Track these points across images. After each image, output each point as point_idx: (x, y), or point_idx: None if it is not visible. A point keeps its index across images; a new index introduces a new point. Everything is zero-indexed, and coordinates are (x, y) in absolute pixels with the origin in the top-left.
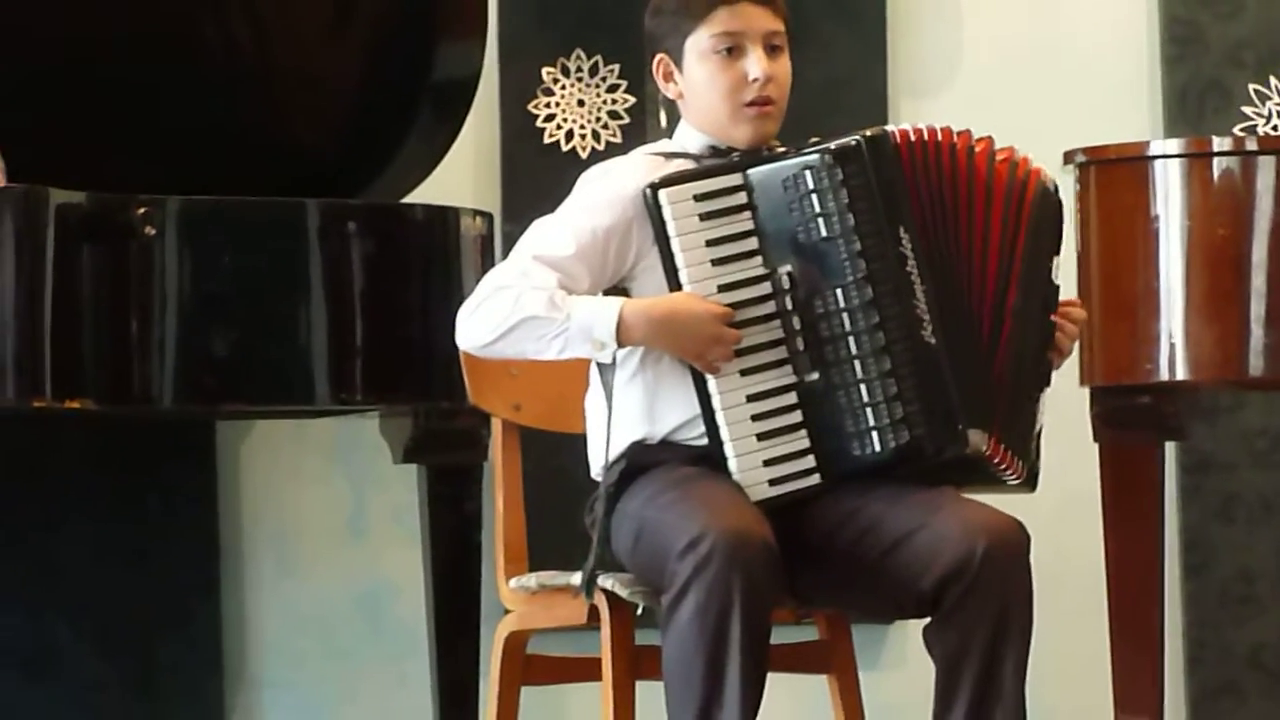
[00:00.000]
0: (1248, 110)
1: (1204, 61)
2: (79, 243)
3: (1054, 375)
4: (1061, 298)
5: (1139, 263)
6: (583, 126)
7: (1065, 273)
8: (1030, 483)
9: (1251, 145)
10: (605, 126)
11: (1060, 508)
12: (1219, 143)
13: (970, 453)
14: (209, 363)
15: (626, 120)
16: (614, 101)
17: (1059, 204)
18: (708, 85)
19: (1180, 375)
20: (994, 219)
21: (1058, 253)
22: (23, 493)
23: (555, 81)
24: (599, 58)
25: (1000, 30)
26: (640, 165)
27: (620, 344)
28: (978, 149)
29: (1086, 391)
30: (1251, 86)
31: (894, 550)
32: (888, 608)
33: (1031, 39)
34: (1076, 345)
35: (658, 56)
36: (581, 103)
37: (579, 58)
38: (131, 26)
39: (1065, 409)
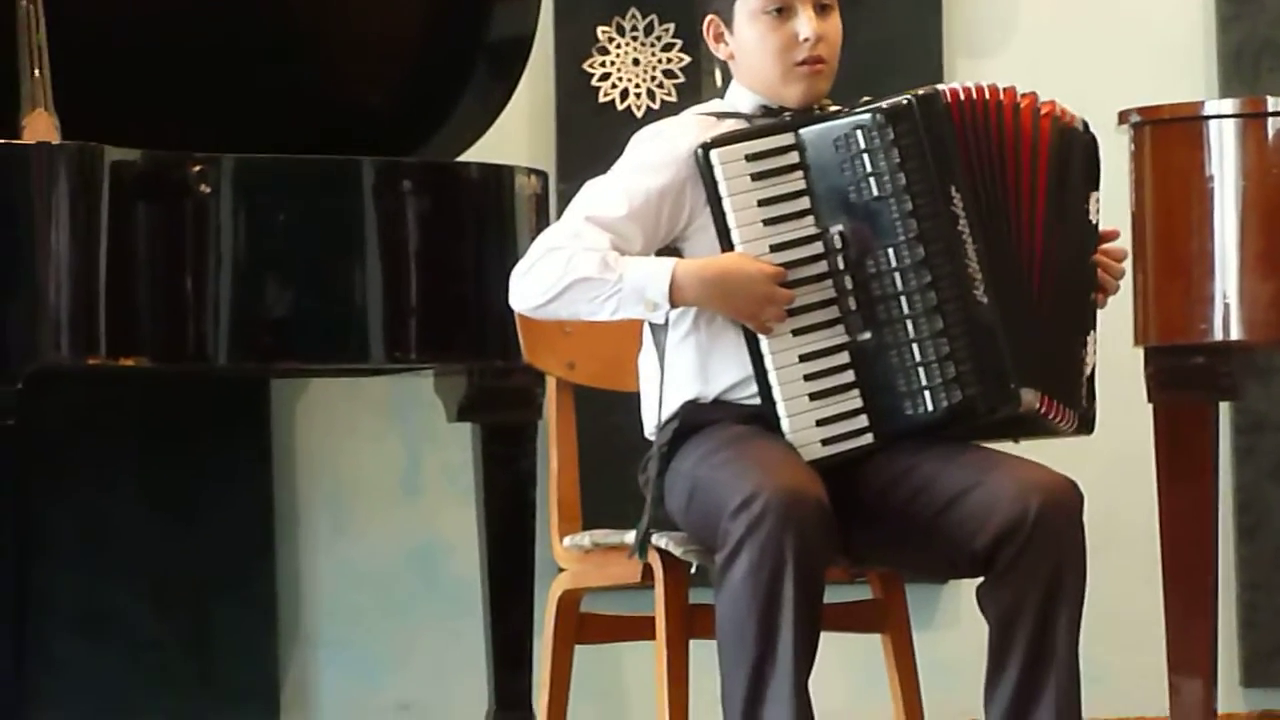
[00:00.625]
0: None
1: (1259, 21)
2: (134, 201)
3: (1106, 331)
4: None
5: (1194, 223)
6: (638, 85)
7: (1110, 217)
8: (1087, 426)
9: None
10: (660, 85)
11: (1114, 467)
12: (1274, 103)
13: (1023, 411)
14: (264, 321)
15: (682, 79)
16: (669, 60)
17: (1090, 141)
18: (758, 45)
19: (1235, 335)
20: (1040, 174)
21: (1095, 189)
22: (78, 452)
23: (610, 40)
24: (654, 17)
25: None
26: (692, 125)
27: (673, 304)
28: (1023, 105)
29: (1141, 351)
30: None
31: (947, 509)
32: (941, 566)
33: None
34: (1131, 302)
35: (708, 17)
36: (637, 61)
37: (634, 16)
38: None
39: (1119, 369)
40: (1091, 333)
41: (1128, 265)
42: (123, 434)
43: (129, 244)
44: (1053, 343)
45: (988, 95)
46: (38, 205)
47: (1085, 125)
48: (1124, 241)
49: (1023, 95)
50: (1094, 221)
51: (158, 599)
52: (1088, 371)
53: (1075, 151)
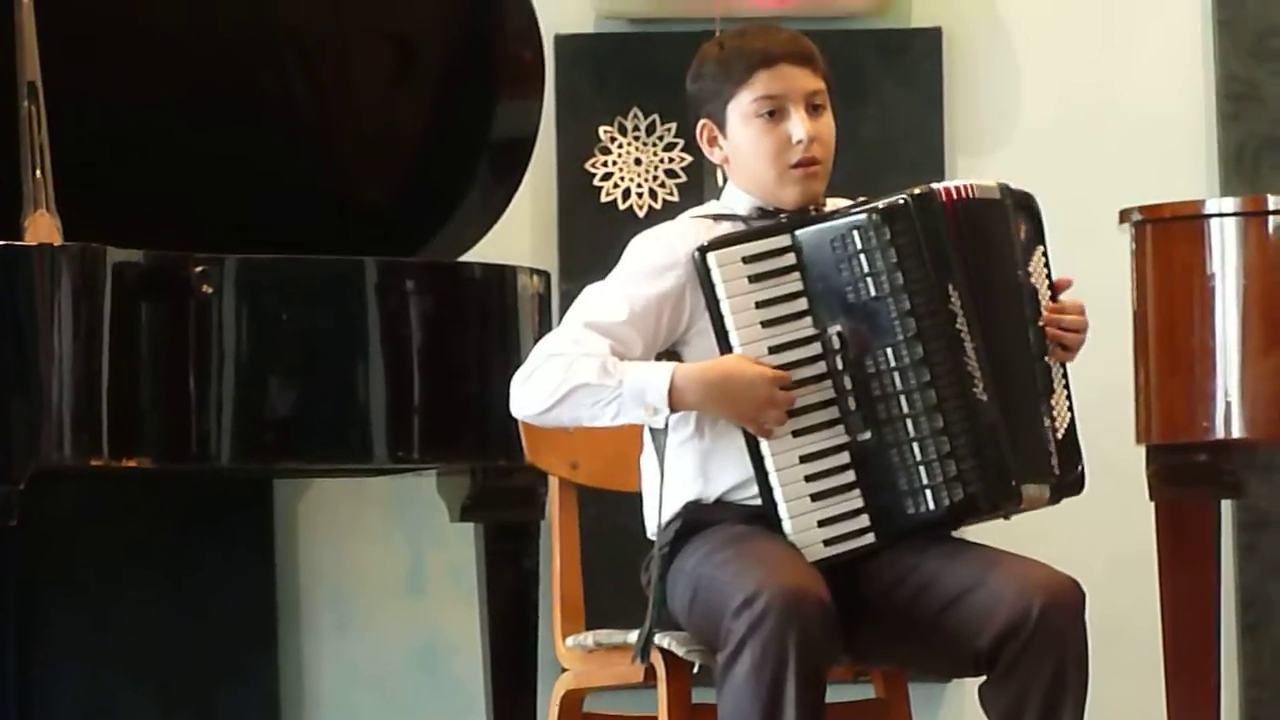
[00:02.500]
0: None
1: (1260, 119)
2: (136, 301)
3: (1106, 429)
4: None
5: (1195, 320)
6: (640, 185)
7: (1112, 315)
8: (1076, 487)
9: None
10: (662, 185)
11: (1116, 565)
12: (1275, 201)
13: (1024, 507)
14: (267, 421)
15: (684, 179)
16: (671, 160)
17: (1003, 203)
18: (752, 149)
19: (1236, 433)
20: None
21: (1039, 243)
22: (82, 548)
23: (612, 140)
24: (656, 116)
25: (1057, 87)
26: (689, 229)
27: (673, 409)
28: (973, 195)
29: (1143, 449)
30: None
31: (950, 608)
32: (944, 665)
33: (1088, 96)
34: (1132, 399)
35: (701, 121)
36: (639, 161)
37: (636, 116)
38: (191, 85)
39: (1121, 466)
40: (1054, 395)
41: (1126, 358)
42: (126, 530)
43: (131, 345)
44: (1029, 423)
45: (976, 192)
46: (40, 307)
47: (1003, 190)
48: (1125, 339)
49: (1013, 192)
50: (1033, 285)
51: (161, 695)
52: (1057, 435)
53: (990, 221)
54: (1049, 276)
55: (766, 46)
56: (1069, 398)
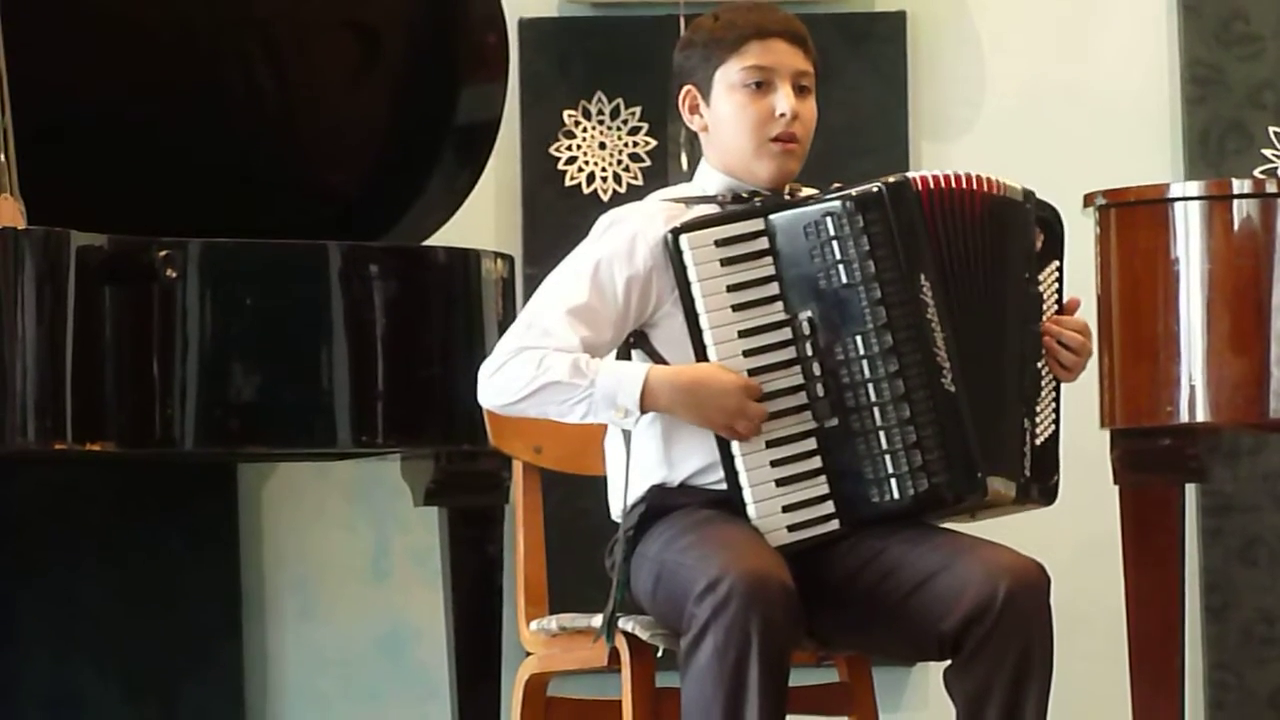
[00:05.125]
0: (1268, 153)
1: (1224, 103)
2: (100, 285)
3: (1071, 413)
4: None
5: (1159, 305)
6: (604, 169)
7: (1087, 310)
8: (1048, 496)
9: (1272, 188)
10: (626, 169)
11: (1081, 550)
12: (1239, 185)
13: (990, 500)
14: (230, 406)
15: (648, 163)
16: (635, 144)
17: (1026, 210)
18: (734, 117)
19: (1201, 417)
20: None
21: (1032, 258)
22: (45, 536)
23: (577, 124)
24: (620, 100)
25: (1021, 73)
26: (658, 212)
27: (644, 411)
28: (993, 191)
29: (1107, 434)
30: (1272, 129)
31: (915, 592)
32: (909, 650)
33: (1052, 81)
34: (1096, 384)
35: (685, 88)
36: (603, 145)
37: (600, 101)
38: (155, 72)
39: (1085, 451)
40: (1040, 402)
41: (1094, 346)
42: (90, 517)
43: (95, 329)
44: (999, 418)
45: (962, 184)
46: (3, 291)
47: (1027, 196)
48: (1089, 323)
49: (989, 182)
50: (1037, 291)
51: (125, 683)
52: (1037, 441)
53: (1005, 220)
54: (1059, 292)
55: (762, 21)
56: (1056, 411)
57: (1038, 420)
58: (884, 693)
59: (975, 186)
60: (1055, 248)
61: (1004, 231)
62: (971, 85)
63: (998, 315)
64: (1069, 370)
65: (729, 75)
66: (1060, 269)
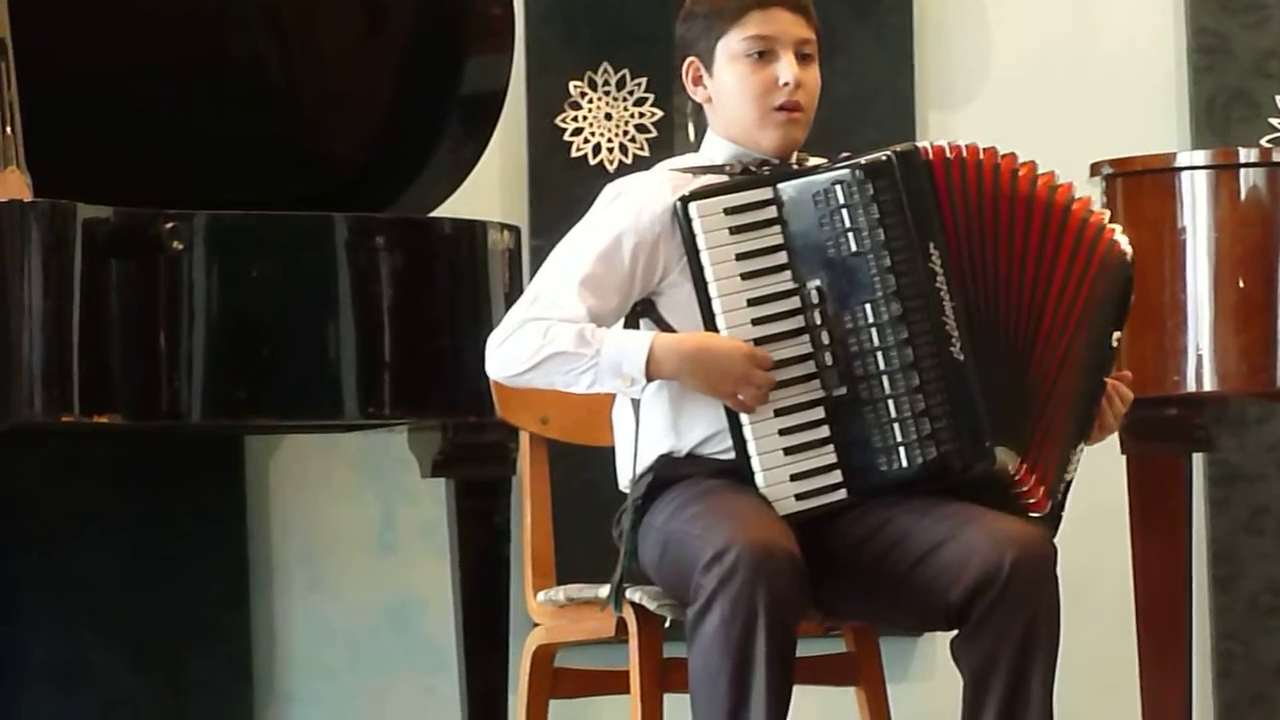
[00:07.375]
0: (1275, 121)
1: (1231, 72)
2: (106, 258)
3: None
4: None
5: (1166, 274)
6: (610, 140)
7: None
8: (1050, 520)
9: (1278, 156)
10: (633, 140)
11: (1088, 519)
12: (1245, 154)
13: (998, 470)
14: (237, 377)
15: (654, 134)
16: (641, 115)
17: (1129, 279)
18: (737, 88)
19: (1208, 386)
20: (1033, 238)
21: (1119, 325)
22: (53, 508)
23: (583, 95)
24: (626, 71)
25: (1027, 42)
26: (664, 181)
27: (649, 378)
28: (1021, 172)
29: None
30: (1278, 98)
31: (922, 562)
32: (915, 620)
33: (1058, 50)
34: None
35: (688, 60)
36: (609, 116)
37: (606, 71)
38: (161, 44)
39: None
40: (1083, 443)
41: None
42: (97, 489)
43: (102, 302)
44: (1056, 430)
45: (981, 156)
46: (10, 263)
47: (1130, 259)
48: None
49: (1002, 156)
50: (1113, 347)
51: (132, 654)
52: (1070, 477)
53: (1114, 278)
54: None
55: None
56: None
57: (1076, 460)
58: (891, 663)
59: (993, 160)
60: (1122, 315)
61: (1105, 280)
62: (978, 54)
63: (1009, 286)
64: (1102, 431)
65: (731, 45)
66: (1119, 337)
